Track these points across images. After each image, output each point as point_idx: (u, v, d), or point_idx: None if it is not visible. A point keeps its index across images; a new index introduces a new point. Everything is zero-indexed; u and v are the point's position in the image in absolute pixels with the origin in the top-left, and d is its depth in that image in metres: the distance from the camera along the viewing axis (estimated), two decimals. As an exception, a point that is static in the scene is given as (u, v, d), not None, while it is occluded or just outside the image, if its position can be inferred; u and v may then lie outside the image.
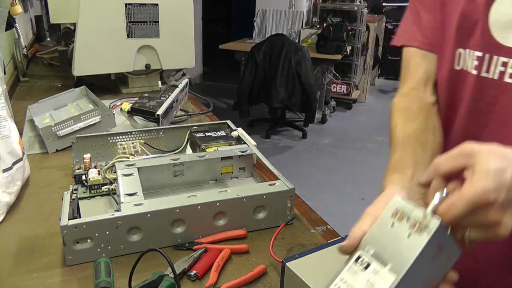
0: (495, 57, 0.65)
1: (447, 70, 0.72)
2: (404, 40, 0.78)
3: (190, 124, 1.17)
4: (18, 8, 1.60)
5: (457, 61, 0.70)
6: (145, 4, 1.61)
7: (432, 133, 0.70)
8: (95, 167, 0.99)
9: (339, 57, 4.44)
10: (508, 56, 0.63)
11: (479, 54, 0.66)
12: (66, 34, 1.91)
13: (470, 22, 0.67)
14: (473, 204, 0.44)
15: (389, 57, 6.37)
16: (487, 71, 0.66)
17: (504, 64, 0.64)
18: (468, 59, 0.69)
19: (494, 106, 0.66)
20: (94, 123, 1.23)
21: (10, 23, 1.57)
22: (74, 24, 1.62)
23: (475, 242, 0.47)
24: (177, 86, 1.45)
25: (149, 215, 0.76)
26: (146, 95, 1.36)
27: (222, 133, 1.13)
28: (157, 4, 1.63)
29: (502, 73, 0.64)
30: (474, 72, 0.67)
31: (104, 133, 1.09)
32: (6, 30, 1.41)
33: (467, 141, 0.53)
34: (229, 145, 1.08)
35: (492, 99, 0.66)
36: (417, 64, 0.76)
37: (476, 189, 0.44)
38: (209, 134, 1.12)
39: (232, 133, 1.13)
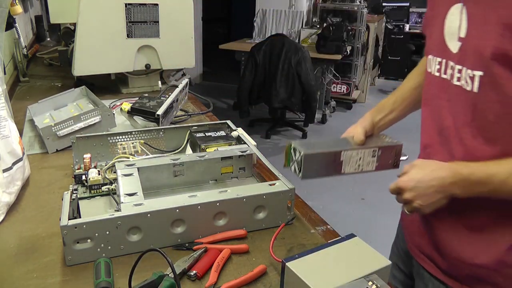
0: (448, 62, 0.79)
1: (426, 73, 0.88)
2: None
3: (190, 124, 1.17)
4: (18, 8, 1.60)
5: (428, 64, 0.86)
6: (145, 4, 1.61)
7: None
8: (95, 167, 0.99)
9: (339, 57, 4.43)
10: (454, 61, 0.77)
11: (439, 59, 0.82)
12: (66, 34, 1.91)
13: (435, 33, 0.83)
14: (398, 188, 0.79)
15: (389, 57, 6.37)
16: (445, 73, 0.81)
17: (452, 68, 0.78)
18: (433, 64, 0.84)
19: (450, 102, 0.80)
20: (94, 123, 1.23)
21: (10, 23, 1.57)
22: (74, 24, 1.62)
23: (411, 212, 0.80)
24: (177, 86, 1.45)
25: (149, 215, 0.76)
26: (146, 95, 1.36)
27: (222, 133, 1.13)
28: (157, 4, 1.63)
29: (451, 75, 0.79)
30: (437, 74, 0.83)
31: (104, 133, 1.09)
32: (6, 30, 1.41)
33: (438, 131, 0.83)
34: (229, 145, 1.08)
35: (448, 96, 0.80)
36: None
37: (402, 180, 0.78)
38: (209, 134, 1.12)
39: (232, 133, 1.13)
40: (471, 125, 0.76)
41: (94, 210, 0.88)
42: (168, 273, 0.69)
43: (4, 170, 0.90)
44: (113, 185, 0.93)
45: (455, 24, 0.76)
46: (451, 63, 0.78)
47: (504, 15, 0.67)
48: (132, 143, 1.09)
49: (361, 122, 0.94)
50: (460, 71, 0.75)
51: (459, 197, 0.75)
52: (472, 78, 0.73)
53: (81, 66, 1.59)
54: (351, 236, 0.74)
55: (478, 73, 0.71)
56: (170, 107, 1.33)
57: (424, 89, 0.89)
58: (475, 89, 0.72)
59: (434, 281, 0.90)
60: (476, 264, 0.81)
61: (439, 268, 0.89)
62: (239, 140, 1.10)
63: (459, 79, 0.76)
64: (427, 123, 0.88)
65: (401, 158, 0.91)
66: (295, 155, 0.82)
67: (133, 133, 1.10)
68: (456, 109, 0.78)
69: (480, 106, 0.73)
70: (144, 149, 1.09)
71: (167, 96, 1.36)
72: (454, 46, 0.77)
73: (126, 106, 1.29)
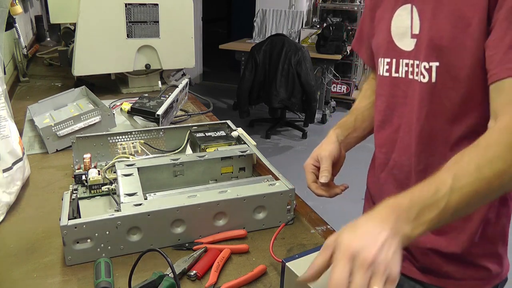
0: (400, 60, 0.82)
1: (377, 76, 0.90)
2: (357, 50, 1.02)
3: (190, 124, 1.17)
4: (18, 8, 1.60)
5: (378, 68, 0.88)
6: (145, 4, 1.61)
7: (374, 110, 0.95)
8: (95, 167, 0.99)
9: (339, 57, 4.44)
10: (409, 58, 0.80)
11: (388, 60, 0.85)
12: (66, 34, 1.91)
13: (381, 36, 0.86)
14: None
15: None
16: (397, 72, 0.83)
17: (407, 65, 0.81)
18: (381, 65, 0.87)
19: (406, 99, 0.82)
20: (94, 123, 1.23)
21: (10, 23, 1.57)
22: (74, 24, 1.62)
23: None
24: (177, 86, 1.45)
25: (149, 215, 0.76)
26: (146, 95, 1.36)
27: (222, 133, 1.13)
28: (157, 4, 1.63)
29: (407, 72, 0.81)
30: (386, 74, 0.85)
31: (104, 133, 1.09)
32: (6, 30, 1.41)
33: (395, 128, 0.85)
34: (229, 145, 1.07)
35: (403, 92, 0.83)
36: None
37: (333, 279, 0.52)
38: (209, 134, 1.12)
39: (232, 133, 1.13)
40: (429, 116, 0.78)
41: (94, 210, 0.88)
42: (168, 273, 0.69)
43: (4, 170, 0.90)
44: (113, 185, 0.93)
45: (405, 23, 0.79)
46: (405, 61, 0.81)
47: (454, 9, 0.71)
48: (132, 143, 1.09)
49: (326, 146, 0.89)
50: (418, 65, 0.78)
51: (413, 236, 0.57)
52: (428, 70, 0.76)
53: (81, 66, 1.59)
54: (351, 236, 0.74)
55: (435, 64, 0.75)
56: (170, 107, 1.33)
57: (376, 91, 0.91)
58: (433, 80, 0.75)
59: (409, 281, 0.88)
60: (450, 253, 0.82)
61: (414, 266, 0.88)
62: (239, 140, 1.10)
63: (416, 74, 0.78)
64: (383, 123, 0.88)
65: None
66: None
67: (133, 133, 1.10)
68: (413, 104, 0.80)
69: (438, 95, 0.76)
70: (144, 149, 1.09)
71: (167, 96, 1.36)
72: (407, 44, 0.80)
73: (126, 106, 1.29)
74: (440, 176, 0.60)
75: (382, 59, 0.86)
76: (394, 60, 0.83)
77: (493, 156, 0.60)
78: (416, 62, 0.78)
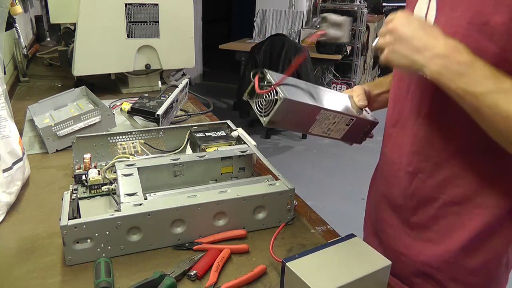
0: None
1: None
2: None
3: (190, 124, 1.17)
4: (18, 8, 1.60)
5: None
6: (145, 4, 1.61)
7: None
8: (95, 167, 0.99)
9: (339, 57, 4.44)
10: None
11: None
12: (66, 34, 1.91)
13: None
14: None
15: (389, 57, 6.36)
16: None
17: None
18: None
19: (408, 94, 0.78)
20: (94, 123, 1.23)
21: (10, 23, 1.56)
22: (74, 24, 1.62)
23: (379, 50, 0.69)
24: (177, 86, 1.45)
25: (149, 215, 0.76)
26: (146, 95, 1.36)
27: (222, 133, 1.13)
28: (157, 4, 1.63)
29: None
30: None
31: (104, 133, 1.09)
32: (6, 30, 1.41)
33: (393, 122, 0.82)
34: (229, 145, 1.07)
35: (407, 87, 0.78)
36: None
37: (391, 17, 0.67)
38: (209, 134, 1.12)
39: (232, 133, 1.13)
40: (427, 116, 0.73)
41: (94, 210, 0.88)
42: (169, 273, 0.69)
43: (4, 170, 0.90)
44: (113, 185, 0.93)
45: (422, 12, 0.74)
46: None
47: (475, 1, 0.63)
48: (132, 143, 1.09)
49: (358, 87, 0.89)
50: None
51: (425, 76, 0.64)
52: None
53: (81, 66, 1.59)
54: (351, 236, 0.74)
55: None
56: (170, 107, 1.33)
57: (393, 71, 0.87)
58: None
59: None
60: (420, 260, 0.81)
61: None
62: (239, 140, 1.10)
63: None
64: (389, 109, 0.86)
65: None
66: (267, 91, 0.75)
67: (133, 133, 1.10)
68: (413, 100, 0.76)
69: (442, 94, 0.67)
70: (144, 149, 1.09)
71: (167, 96, 1.36)
72: None
73: (126, 106, 1.29)
74: (500, 78, 0.60)
75: None
76: None
77: None
78: None
